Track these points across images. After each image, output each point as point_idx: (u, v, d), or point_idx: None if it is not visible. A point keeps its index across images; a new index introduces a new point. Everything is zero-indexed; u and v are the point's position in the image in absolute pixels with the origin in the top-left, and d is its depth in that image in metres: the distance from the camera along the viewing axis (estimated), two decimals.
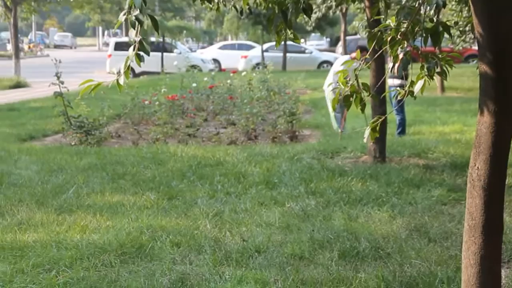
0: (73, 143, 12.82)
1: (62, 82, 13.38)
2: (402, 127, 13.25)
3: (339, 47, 43.78)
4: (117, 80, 3.75)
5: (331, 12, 28.95)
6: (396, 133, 13.08)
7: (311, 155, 10.71)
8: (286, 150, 11.26)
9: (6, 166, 10.19)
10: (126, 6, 3.61)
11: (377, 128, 4.59)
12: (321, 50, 44.93)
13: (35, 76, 32.14)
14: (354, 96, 4.47)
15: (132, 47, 3.64)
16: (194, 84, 18.90)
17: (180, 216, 7.61)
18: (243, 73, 22.30)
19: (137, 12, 3.57)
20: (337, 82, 4.74)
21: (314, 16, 34.60)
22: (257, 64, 36.62)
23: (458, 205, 7.94)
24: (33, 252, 6.29)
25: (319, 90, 23.90)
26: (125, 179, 9.40)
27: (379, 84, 9.26)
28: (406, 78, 13.34)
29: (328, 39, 62.61)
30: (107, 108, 14.92)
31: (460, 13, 15.44)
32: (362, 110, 4.60)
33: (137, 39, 3.59)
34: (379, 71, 10.46)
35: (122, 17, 3.68)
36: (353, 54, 14.03)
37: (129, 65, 3.78)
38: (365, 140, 4.67)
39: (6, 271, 5.81)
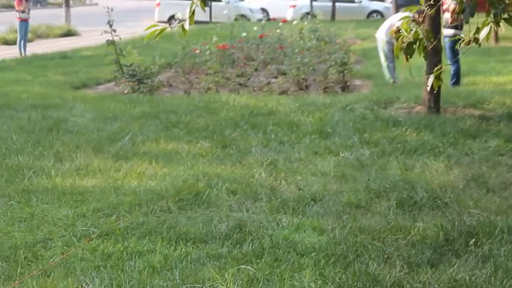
0: (125, 92, 12.90)
1: (115, 30, 13.45)
2: (456, 78, 13.06)
3: None
4: (182, 26, 3.74)
5: None
6: (450, 83, 12.89)
7: (364, 105, 10.64)
8: (338, 100, 11.20)
9: (62, 113, 10.32)
10: None
11: (441, 76, 4.52)
12: (370, 0, 44.27)
13: (84, 24, 32.36)
14: (418, 44, 4.39)
15: None
16: (244, 34, 18.79)
17: (234, 164, 7.64)
18: (294, 23, 22.08)
19: None
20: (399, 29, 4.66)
21: None
22: (306, 13, 36.24)
23: None
24: (92, 197, 6.39)
25: (369, 40, 23.64)
26: (179, 127, 9.45)
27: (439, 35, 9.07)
28: (461, 28, 13.15)
29: None
30: (158, 57, 14.95)
31: None
32: (426, 57, 4.53)
33: None
34: (435, 20, 10.30)
35: None
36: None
37: (193, 11, 3.76)
38: (428, 89, 4.60)
39: (68, 215, 5.92)
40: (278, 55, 16.45)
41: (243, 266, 4.87)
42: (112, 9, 13.51)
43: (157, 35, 3.82)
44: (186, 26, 3.75)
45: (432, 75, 4.51)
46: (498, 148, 8.12)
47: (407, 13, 4.66)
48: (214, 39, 16.57)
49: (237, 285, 4.44)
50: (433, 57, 10.25)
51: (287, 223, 5.76)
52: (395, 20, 13.67)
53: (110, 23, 13.42)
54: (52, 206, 6.19)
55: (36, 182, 6.92)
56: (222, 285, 4.42)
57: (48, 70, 15.85)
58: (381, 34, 13.79)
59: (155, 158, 7.82)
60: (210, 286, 4.50)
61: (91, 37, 28.15)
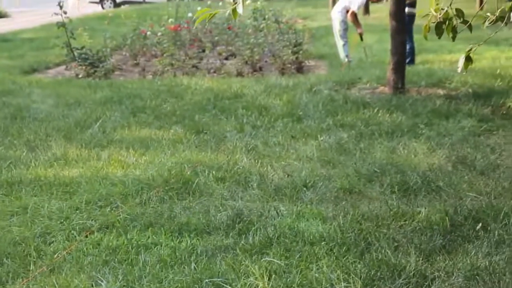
0: (80, 76, 12.57)
1: (65, 12, 13.05)
2: (411, 56, 13.12)
3: None
4: (234, 9, 3.58)
5: None
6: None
7: (328, 86, 10.59)
8: (301, 81, 11.13)
9: (22, 100, 10.01)
10: None
11: (471, 56, 4.47)
12: None
13: (12, 6, 31.52)
14: (447, 24, 4.34)
15: None
16: (190, 14, 18.47)
17: (214, 150, 7.50)
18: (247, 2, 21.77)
19: None
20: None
21: None
22: None
23: (492, 136, 7.90)
24: (81, 188, 6.19)
25: (310, 19, 23.69)
26: (146, 112, 9.27)
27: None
28: (414, 6, 13.29)
29: None
30: (110, 40, 14.62)
31: None
32: (454, 38, 4.48)
33: None
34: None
35: None
36: None
37: None
38: (459, 70, 4.54)
39: (62, 208, 5.72)
40: (228, 36, 16.24)
41: (255, 257, 4.78)
42: None
43: (209, 18, 3.66)
44: (240, 10, 3.58)
45: (462, 56, 4.46)
46: (473, 128, 8.15)
47: None
48: (170, 20, 16.28)
49: (266, 278, 4.32)
50: (397, 36, 10.37)
51: (286, 211, 5.66)
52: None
53: (60, 5, 13.00)
54: (42, 199, 5.97)
55: (17, 173, 6.67)
56: (253, 278, 4.30)
57: None
58: (336, 13, 13.75)
59: (131, 145, 7.65)
60: (228, 279, 4.39)
61: (22, 18, 27.55)
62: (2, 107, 9.51)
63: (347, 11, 13.53)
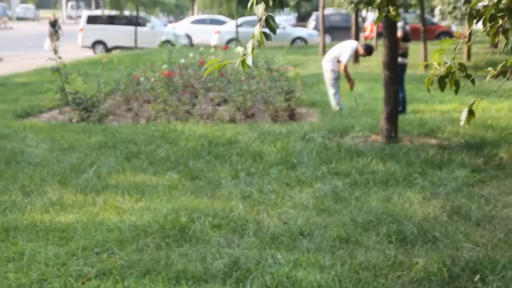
0: (74, 120, 12.58)
1: (60, 58, 13.12)
2: (402, 106, 13.21)
3: (311, 22, 43.65)
4: (243, 60, 3.64)
5: None
6: None
7: (321, 135, 10.63)
8: (294, 129, 11.18)
9: (16, 144, 9.99)
10: None
11: (474, 110, 4.52)
12: (294, 26, 44.77)
13: (3, 49, 31.63)
14: (450, 77, 4.41)
15: (258, 25, 3.55)
16: (183, 60, 18.59)
17: (210, 197, 7.52)
18: (236, 49, 21.92)
19: None
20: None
21: None
22: (231, 39, 36.40)
23: (485, 187, 7.95)
24: (77, 234, 6.20)
25: (301, 66, 23.85)
26: (140, 158, 9.28)
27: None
28: (406, 57, 13.41)
29: (296, 14, 62.26)
30: (104, 85, 14.67)
31: None
32: (456, 91, 4.54)
33: (264, 16, 3.50)
34: (393, 49, 10.46)
35: None
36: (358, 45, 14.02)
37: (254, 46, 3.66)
38: (461, 123, 4.58)
39: (58, 254, 5.71)
40: (221, 82, 16.33)
41: None
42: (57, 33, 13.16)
43: (218, 69, 3.72)
44: (249, 62, 3.65)
45: (465, 109, 4.51)
46: (467, 179, 8.20)
47: (350, 48, 4.64)
48: (164, 66, 16.37)
49: None
50: (390, 86, 10.47)
51: (284, 259, 5.67)
52: (340, 49, 13.82)
53: (55, 50, 13.10)
54: (38, 244, 5.96)
55: (13, 218, 6.66)
56: None
57: None
58: (327, 62, 13.88)
59: (127, 191, 7.65)
60: None
61: (15, 62, 27.59)
62: None
63: (338, 61, 13.67)
